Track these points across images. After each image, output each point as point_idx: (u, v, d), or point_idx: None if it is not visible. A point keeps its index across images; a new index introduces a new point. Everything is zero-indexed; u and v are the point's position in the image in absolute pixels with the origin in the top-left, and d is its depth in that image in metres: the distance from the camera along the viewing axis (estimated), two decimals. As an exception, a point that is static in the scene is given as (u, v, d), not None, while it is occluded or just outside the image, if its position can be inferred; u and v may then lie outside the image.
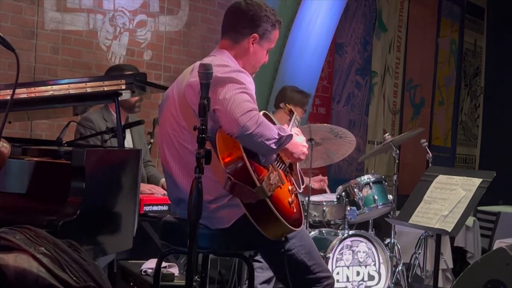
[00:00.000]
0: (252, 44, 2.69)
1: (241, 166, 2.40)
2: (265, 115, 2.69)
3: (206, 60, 2.55)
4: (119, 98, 3.09)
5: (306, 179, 4.30)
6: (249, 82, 2.52)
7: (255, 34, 2.68)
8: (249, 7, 2.68)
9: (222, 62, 2.58)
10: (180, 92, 2.61)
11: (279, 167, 2.65)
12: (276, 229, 2.46)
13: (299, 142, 2.66)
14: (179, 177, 2.60)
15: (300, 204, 2.68)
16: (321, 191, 5.03)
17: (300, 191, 2.73)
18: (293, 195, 2.62)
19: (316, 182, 4.96)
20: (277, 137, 2.45)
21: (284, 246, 2.58)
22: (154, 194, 3.79)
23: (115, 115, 3.92)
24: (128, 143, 3.95)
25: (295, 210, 2.58)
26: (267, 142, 2.42)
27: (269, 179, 2.43)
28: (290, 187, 2.63)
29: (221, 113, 2.44)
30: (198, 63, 2.63)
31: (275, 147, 2.46)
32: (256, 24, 2.68)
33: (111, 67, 4.19)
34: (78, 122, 3.79)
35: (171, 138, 2.62)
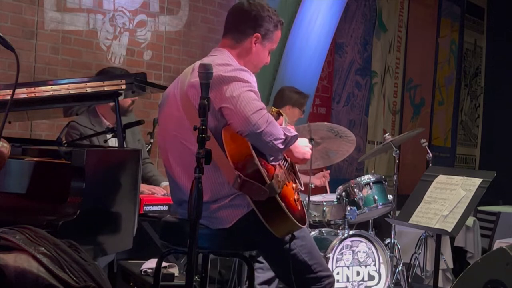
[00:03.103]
0: (255, 44, 2.70)
1: (250, 164, 2.41)
2: None
3: (207, 60, 2.55)
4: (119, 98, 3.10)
5: (306, 178, 4.30)
6: (253, 81, 2.54)
7: (258, 34, 2.69)
8: (251, 7, 2.70)
9: (224, 61, 2.58)
10: (182, 92, 2.60)
11: (284, 165, 2.66)
12: (284, 226, 2.47)
13: (301, 144, 2.68)
14: (181, 178, 2.60)
15: (302, 202, 2.71)
16: (322, 190, 5.03)
17: (302, 188, 2.75)
18: (296, 193, 2.64)
19: (317, 178, 4.96)
20: (283, 137, 2.47)
21: (285, 246, 2.59)
22: (154, 194, 3.78)
23: (102, 118, 3.91)
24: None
25: (299, 208, 2.60)
26: (275, 142, 2.44)
27: (277, 176, 2.45)
28: (294, 185, 2.66)
29: (230, 111, 2.44)
30: (198, 62, 2.64)
31: (282, 146, 2.47)
32: (258, 24, 2.68)
33: (100, 70, 4.18)
34: (67, 129, 3.75)
35: (173, 139, 2.61)
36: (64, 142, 3.29)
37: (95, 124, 3.84)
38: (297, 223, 2.46)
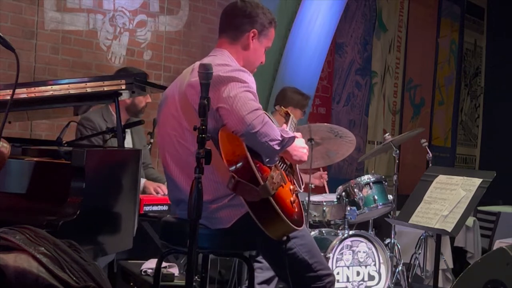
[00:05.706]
0: (252, 40, 2.71)
1: (244, 165, 2.40)
2: None
3: (206, 60, 2.56)
4: (119, 98, 3.10)
5: (305, 177, 4.30)
6: (251, 81, 2.54)
7: (255, 30, 2.71)
8: (246, 5, 2.74)
9: (223, 61, 2.59)
10: (181, 92, 2.61)
11: (281, 166, 2.65)
12: (279, 228, 2.46)
13: (298, 145, 2.67)
14: (179, 178, 2.60)
15: (301, 203, 2.69)
16: (321, 189, 5.03)
17: (301, 190, 2.74)
18: (294, 194, 2.63)
19: (316, 178, 4.96)
20: (280, 138, 2.46)
21: (285, 246, 2.58)
22: (158, 194, 3.77)
23: (114, 115, 3.92)
24: (128, 143, 3.95)
25: (296, 210, 2.58)
26: (271, 143, 2.43)
27: (272, 178, 2.44)
28: (291, 187, 2.64)
29: (226, 111, 2.44)
30: (198, 63, 2.64)
31: (278, 148, 2.47)
32: (254, 20, 2.71)
33: (118, 70, 4.20)
34: (78, 122, 3.79)
35: (171, 138, 2.62)
36: (65, 142, 3.29)
37: (107, 120, 3.86)
38: (292, 225, 2.44)
